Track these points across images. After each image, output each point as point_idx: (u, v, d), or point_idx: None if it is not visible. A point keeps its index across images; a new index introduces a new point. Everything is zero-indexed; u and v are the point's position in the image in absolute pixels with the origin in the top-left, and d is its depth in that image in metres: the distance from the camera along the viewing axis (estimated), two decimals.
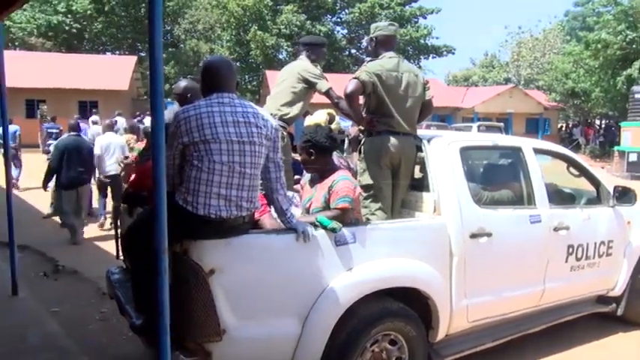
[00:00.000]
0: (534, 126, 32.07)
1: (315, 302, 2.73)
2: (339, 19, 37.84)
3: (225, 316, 2.49)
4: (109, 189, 8.19)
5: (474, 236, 3.34)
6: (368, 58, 3.82)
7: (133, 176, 3.85)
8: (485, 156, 4.23)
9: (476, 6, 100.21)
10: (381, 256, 2.98)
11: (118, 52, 37.18)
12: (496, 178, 4.08)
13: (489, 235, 3.41)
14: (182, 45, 38.69)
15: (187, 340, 2.54)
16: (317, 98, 4.52)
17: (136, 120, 18.16)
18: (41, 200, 10.25)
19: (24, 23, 33.35)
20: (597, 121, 38.23)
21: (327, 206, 3.18)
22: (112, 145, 7.99)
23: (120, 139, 8.57)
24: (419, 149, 3.68)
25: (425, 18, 37.51)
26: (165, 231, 2.32)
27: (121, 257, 3.85)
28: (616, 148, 19.49)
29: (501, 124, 21.46)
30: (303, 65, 4.23)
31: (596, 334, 4.50)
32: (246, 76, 37.08)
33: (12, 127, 12.61)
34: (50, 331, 3.98)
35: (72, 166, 7.10)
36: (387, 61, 3.71)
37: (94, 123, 13.73)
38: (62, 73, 23.98)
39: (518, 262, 3.68)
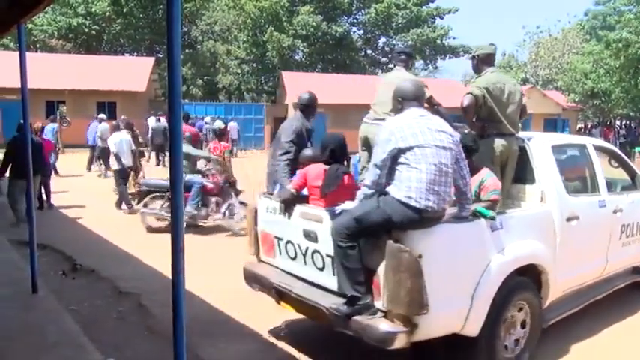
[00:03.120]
0: (552, 127, 31.67)
1: (479, 279, 3.29)
2: (355, 20, 37.81)
3: (429, 293, 2.99)
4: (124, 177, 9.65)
5: (568, 220, 4.05)
6: (475, 75, 4.49)
7: (297, 180, 4.02)
8: (563, 152, 4.75)
9: (493, 6, 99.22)
10: (517, 239, 3.59)
11: (136, 54, 37.56)
12: (571, 170, 4.69)
13: (577, 218, 4.11)
14: (199, 46, 38.98)
15: (397, 313, 3.06)
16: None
17: (154, 120, 18.59)
18: (60, 199, 10.43)
19: (45, 25, 33.94)
20: (617, 122, 37.61)
21: (477, 199, 3.73)
22: (124, 143, 9.78)
23: (127, 136, 10.16)
24: (520, 148, 4.28)
25: (442, 18, 37.31)
26: (183, 230, 2.35)
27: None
28: (637, 149, 19.16)
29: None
30: (407, 75, 4.62)
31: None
32: (262, 77, 37.24)
33: (51, 125, 13.66)
34: (68, 329, 4.03)
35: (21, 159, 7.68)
36: (491, 75, 4.33)
37: (102, 121, 14.93)
38: (81, 75, 24.32)
39: (593, 240, 4.44)
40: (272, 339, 4.32)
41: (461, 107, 4.14)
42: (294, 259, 3.87)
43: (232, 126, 21.97)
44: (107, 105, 23.93)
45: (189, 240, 4.96)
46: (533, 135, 4.55)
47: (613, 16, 29.73)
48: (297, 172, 4.23)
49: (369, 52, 39.09)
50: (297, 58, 36.30)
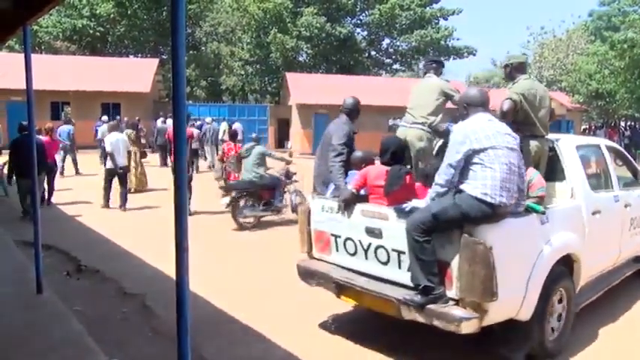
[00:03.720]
0: (557, 128, 31.46)
1: (532, 268, 3.63)
2: (359, 21, 37.76)
3: (497, 281, 3.28)
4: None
5: (593, 213, 4.44)
6: (510, 82, 4.80)
7: (357, 180, 4.25)
8: (584, 151, 5.02)
9: (497, 7, 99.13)
10: (558, 231, 3.95)
11: (140, 55, 37.64)
12: (590, 168, 5.03)
13: (600, 212, 4.51)
14: (203, 48, 39.04)
15: (470, 301, 3.40)
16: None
17: (160, 121, 18.75)
18: (62, 197, 10.46)
19: (50, 27, 34.06)
20: (622, 123, 37.44)
21: (526, 196, 3.97)
22: (120, 142, 10.00)
23: (123, 136, 10.54)
24: (550, 148, 4.67)
25: (446, 19, 37.22)
26: (187, 230, 2.35)
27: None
28: None
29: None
30: (441, 82, 5.15)
31: None
32: (266, 78, 37.22)
33: (67, 127, 14.08)
34: (73, 329, 4.05)
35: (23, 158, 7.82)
36: (525, 82, 4.64)
37: (105, 122, 15.46)
38: (86, 76, 24.40)
39: (610, 231, 4.85)
40: (276, 340, 4.32)
41: (500, 111, 4.38)
42: (353, 255, 4.13)
43: (236, 127, 21.99)
44: (111, 106, 24.00)
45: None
46: (560, 136, 4.87)
47: (618, 16, 29.52)
48: (356, 172, 4.50)
49: (373, 53, 39.01)
50: (300, 59, 36.29)
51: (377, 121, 27.17)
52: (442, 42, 36.30)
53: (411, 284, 3.60)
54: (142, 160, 12.95)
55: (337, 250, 4.26)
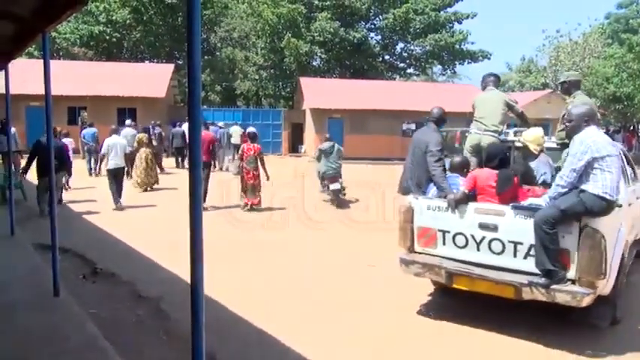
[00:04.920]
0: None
1: (614, 250, 4.34)
2: (372, 26, 37.73)
3: (606, 263, 4.12)
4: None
5: (629, 205, 4.95)
6: (566, 96, 5.87)
7: (468, 182, 4.90)
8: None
9: (512, 10, 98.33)
10: (628, 219, 4.77)
11: (156, 60, 38.02)
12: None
13: (631, 204, 5.09)
14: (218, 53, 39.32)
15: (586, 280, 4.17)
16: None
17: (177, 124, 19.28)
18: (83, 195, 10.59)
19: (68, 34, 34.58)
20: None
21: None
22: (117, 145, 10.71)
23: (121, 139, 11.31)
24: None
25: (460, 23, 36.99)
26: (202, 234, 2.36)
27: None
28: None
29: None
30: (503, 95, 6.20)
31: None
32: (280, 83, 37.34)
33: (91, 129, 14.51)
34: (88, 332, 4.09)
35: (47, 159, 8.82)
36: (582, 97, 5.65)
37: (128, 126, 15.92)
38: (102, 81, 24.70)
39: (633, 219, 5.24)
40: (289, 344, 4.32)
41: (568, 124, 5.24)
42: (463, 247, 4.73)
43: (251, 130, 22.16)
44: (127, 111, 24.26)
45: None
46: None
47: (636, 19, 29.24)
48: (457, 176, 5.24)
49: (387, 57, 38.90)
50: (314, 64, 36.35)
51: (391, 125, 27.19)
52: (456, 46, 36.09)
53: (525, 270, 4.36)
54: (157, 162, 14.20)
55: (444, 244, 4.85)
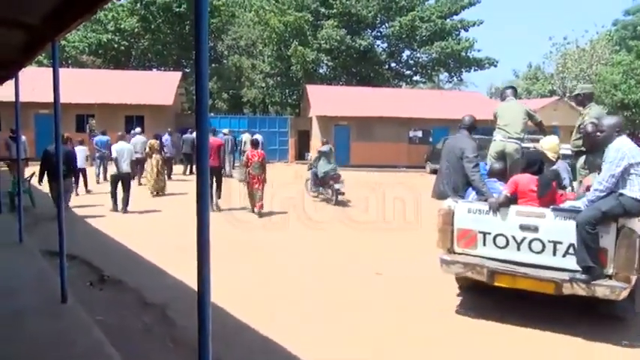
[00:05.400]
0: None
1: None
2: (379, 33, 37.83)
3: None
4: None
5: None
6: (581, 107, 6.62)
7: (510, 187, 5.21)
8: None
9: (519, 18, 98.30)
10: None
11: (163, 68, 38.28)
12: None
13: None
14: (225, 61, 39.55)
15: (622, 275, 4.54)
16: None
17: (187, 132, 19.68)
18: (91, 200, 10.63)
19: (77, 42, 34.93)
20: None
21: None
22: (125, 151, 11.18)
23: (128, 145, 11.78)
24: None
25: (466, 30, 37.02)
26: (209, 241, 2.37)
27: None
28: None
29: None
30: (524, 106, 6.68)
31: None
32: (287, 91, 37.48)
33: (104, 137, 15.26)
34: (95, 339, 4.09)
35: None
36: (596, 108, 6.37)
37: (139, 134, 16.32)
38: (110, 89, 24.90)
39: None
40: (295, 352, 4.31)
41: (585, 131, 5.82)
42: (504, 247, 5.05)
43: (257, 137, 22.34)
44: (135, 118, 24.43)
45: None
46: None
47: None
48: (495, 181, 5.56)
49: (393, 64, 38.97)
50: (321, 71, 36.48)
51: (397, 132, 27.19)
52: (463, 53, 36.09)
53: (564, 267, 4.73)
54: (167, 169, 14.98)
55: (484, 245, 5.16)
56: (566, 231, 4.69)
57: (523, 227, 4.93)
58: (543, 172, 5.33)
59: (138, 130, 17.11)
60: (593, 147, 5.60)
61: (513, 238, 4.99)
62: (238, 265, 6.96)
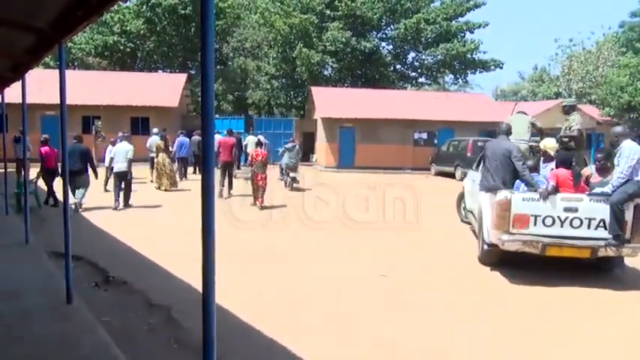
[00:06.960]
0: (587, 141, 30.71)
1: None
2: (384, 35, 37.79)
3: None
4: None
5: None
6: (566, 115, 8.57)
7: (554, 179, 6.68)
8: None
9: (524, 19, 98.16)
10: None
11: (169, 70, 38.40)
12: None
13: None
14: (230, 63, 39.64)
15: (637, 239, 6.34)
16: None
17: (195, 133, 19.83)
18: (94, 214, 10.67)
19: (83, 44, 35.12)
20: None
21: None
22: (122, 151, 11.73)
23: (128, 146, 11.92)
24: None
25: (472, 32, 36.92)
26: (214, 242, 2.37)
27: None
28: None
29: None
30: (528, 116, 8.97)
31: None
32: (292, 93, 37.51)
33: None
34: (101, 340, 4.10)
35: (71, 163, 9.51)
36: (577, 115, 8.45)
37: (155, 134, 17.18)
38: (116, 91, 25.00)
39: None
40: (300, 355, 4.30)
41: (573, 137, 8.06)
42: (550, 226, 6.48)
43: (260, 138, 22.49)
44: (140, 120, 24.51)
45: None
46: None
47: None
48: (546, 175, 7.06)
49: (399, 66, 38.91)
50: (326, 73, 36.47)
51: (402, 134, 27.13)
52: (468, 55, 36.00)
53: (595, 237, 6.33)
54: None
55: (535, 225, 6.51)
56: (598, 210, 6.35)
57: (566, 209, 6.43)
58: (573, 167, 6.87)
59: (155, 130, 17.64)
60: (579, 146, 7.92)
61: (559, 218, 6.43)
62: (237, 265, 6.96)
